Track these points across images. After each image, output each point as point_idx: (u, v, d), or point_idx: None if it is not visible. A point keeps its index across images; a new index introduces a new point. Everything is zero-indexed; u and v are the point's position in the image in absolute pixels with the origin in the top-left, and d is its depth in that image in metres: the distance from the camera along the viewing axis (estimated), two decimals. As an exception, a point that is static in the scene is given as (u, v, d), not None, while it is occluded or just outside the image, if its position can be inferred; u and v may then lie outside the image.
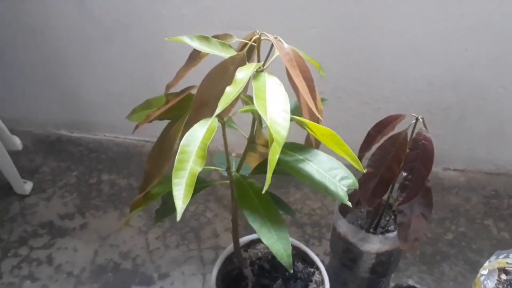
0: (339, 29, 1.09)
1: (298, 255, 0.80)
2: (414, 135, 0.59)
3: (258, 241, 0.83)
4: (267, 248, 0.81)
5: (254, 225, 0.55)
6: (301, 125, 0.54)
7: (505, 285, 0.72)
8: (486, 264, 0.71)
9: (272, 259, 0.80)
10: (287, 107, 0.48)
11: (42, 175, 1.25)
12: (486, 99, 1.17)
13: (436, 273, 1.01)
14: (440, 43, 1.09)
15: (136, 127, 0.62)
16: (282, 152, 0.57)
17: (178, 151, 0.48)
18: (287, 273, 0.78)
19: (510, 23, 1.04)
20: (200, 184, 0.64)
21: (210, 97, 0.52)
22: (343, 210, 0.78)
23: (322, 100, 0.68)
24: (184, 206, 0.45)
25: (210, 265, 1.01)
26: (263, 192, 0.46)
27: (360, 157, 0.66)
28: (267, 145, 0.60)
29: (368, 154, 0.68)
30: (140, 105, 0.66)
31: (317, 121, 0.55)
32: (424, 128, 0.59)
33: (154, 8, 1.14)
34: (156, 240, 1.07)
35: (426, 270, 1.01)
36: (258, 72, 0.52)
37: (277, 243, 0.55)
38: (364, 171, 0.53)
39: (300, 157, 0.57)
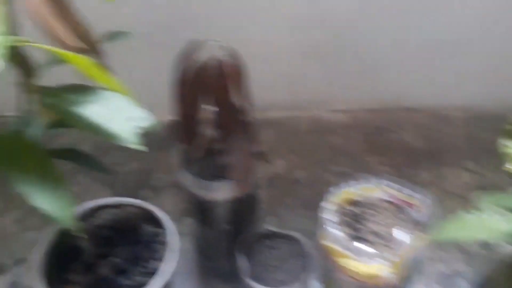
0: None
1: (143, 215, 0.73)
2: (217, 63, 0.52)
3: (103, 207, 0.75)
4: (111, 214, 0.74)
5: (20, 187, 0.46)
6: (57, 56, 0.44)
7: (350, 216, 0.69)
8: (325, 204, 0.67)
9: (113, 226, 0.72)
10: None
11: None
12: (357, 35, 1.14)
13: (315, 218, 0.98)
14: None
15: None
16: (53, 95, 0.49)
17: None
18: (128, 238, 0.71)
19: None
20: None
21: None
22: (186, 160, 0.72)
23: (123, 33, 0.59)
24: None
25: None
26: None
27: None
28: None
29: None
30: None
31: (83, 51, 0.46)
32: (231, 52, 0.52)
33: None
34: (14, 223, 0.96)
35: (305, 214, 0.99)
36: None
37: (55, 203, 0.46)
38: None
39: (79, 98, 0.48)
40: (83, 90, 0.49)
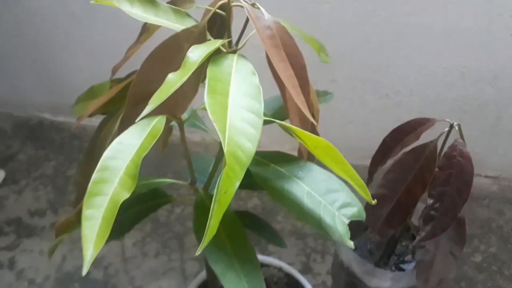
0: (357, 6, 0.91)
1: (289, 284, 0.65)
2: (446, 149, 0.43)
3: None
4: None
5: (216, 267, 0.39)
6: (288, 131, 0.39)
7: None
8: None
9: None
10: (259, 107, 0.32)
11: (17, 164, 1.12)
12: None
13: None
14: (479, 27, 0.90)
15: (78, 120, 0.48)
16: (261, 164, 0.42)
17: (97, 167, 0.33)
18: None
19: None
20: (157, 200, 0.49)
21: (155, 87, 0.36)
22: (351, 232, 0.62)
23: (325, 94, 0.52)
24: (96, 253, 0.31)
25: (192, 279, 0.87)
26: (197, 252, 0.31)
27: (372, 172, 0.50)
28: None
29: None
30: (84, 93, 0.51)
31: (310, 126, 0.39)
32: (461, 140, 0.42)
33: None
34: (133, 246, 0.93)
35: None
36: (224, 53, 0.36)
37: (247, 295, 0.39)
38: (373, 202, 0.37)
39: (287, 173, 0.41)
40: (291, 161, 0.41)
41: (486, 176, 1.12)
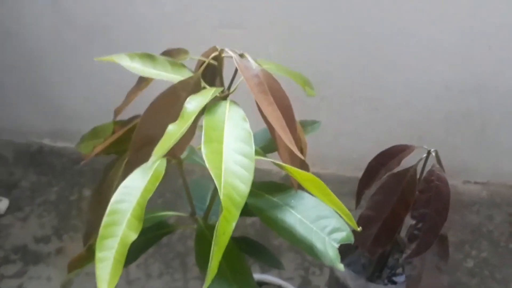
0: (344, 26, 0.95)
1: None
2: (425, 174, 0.46)
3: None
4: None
5: (217, 295, 0.43)
6: (279, 167, 0.42)
7: None
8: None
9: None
10: (250, 151, 0.35)
11: (21, 191, 1.15)
12: (513, 105, 1.03)
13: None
14: (461, 42, 0.94)
15: (85, 160, 0.51)
16: (256, 195, 0.45)
17: (107, 210, 0.36)
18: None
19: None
20: (160, 231, 0.53)
21: (156, 133, 0.40)
22: (344, 249, 0.66)
23: (313, 123, 0.56)
24: (110, 292, 0.34)
25: (196, 298, 0.90)
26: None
27: (360, 195, 0.53)
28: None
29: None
30: (88, 133, 0.54)
31: (299, 160, 0.42)
32: (438, 165, 0.46)
33: (133, 7, 1.02)
34: (137, 268, 0.96)
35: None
36: (217, 99, 0.40)
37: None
38: (359, 229, 0.40)
39: (280, 202, 0.45)
40: (283, 191, 0.45)
41: (475, 183, 1.16)
